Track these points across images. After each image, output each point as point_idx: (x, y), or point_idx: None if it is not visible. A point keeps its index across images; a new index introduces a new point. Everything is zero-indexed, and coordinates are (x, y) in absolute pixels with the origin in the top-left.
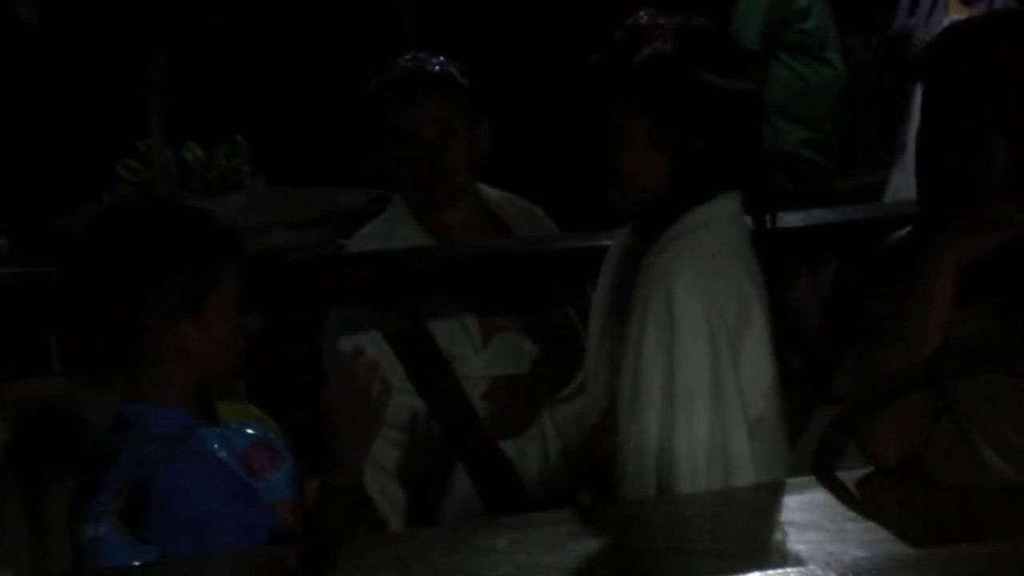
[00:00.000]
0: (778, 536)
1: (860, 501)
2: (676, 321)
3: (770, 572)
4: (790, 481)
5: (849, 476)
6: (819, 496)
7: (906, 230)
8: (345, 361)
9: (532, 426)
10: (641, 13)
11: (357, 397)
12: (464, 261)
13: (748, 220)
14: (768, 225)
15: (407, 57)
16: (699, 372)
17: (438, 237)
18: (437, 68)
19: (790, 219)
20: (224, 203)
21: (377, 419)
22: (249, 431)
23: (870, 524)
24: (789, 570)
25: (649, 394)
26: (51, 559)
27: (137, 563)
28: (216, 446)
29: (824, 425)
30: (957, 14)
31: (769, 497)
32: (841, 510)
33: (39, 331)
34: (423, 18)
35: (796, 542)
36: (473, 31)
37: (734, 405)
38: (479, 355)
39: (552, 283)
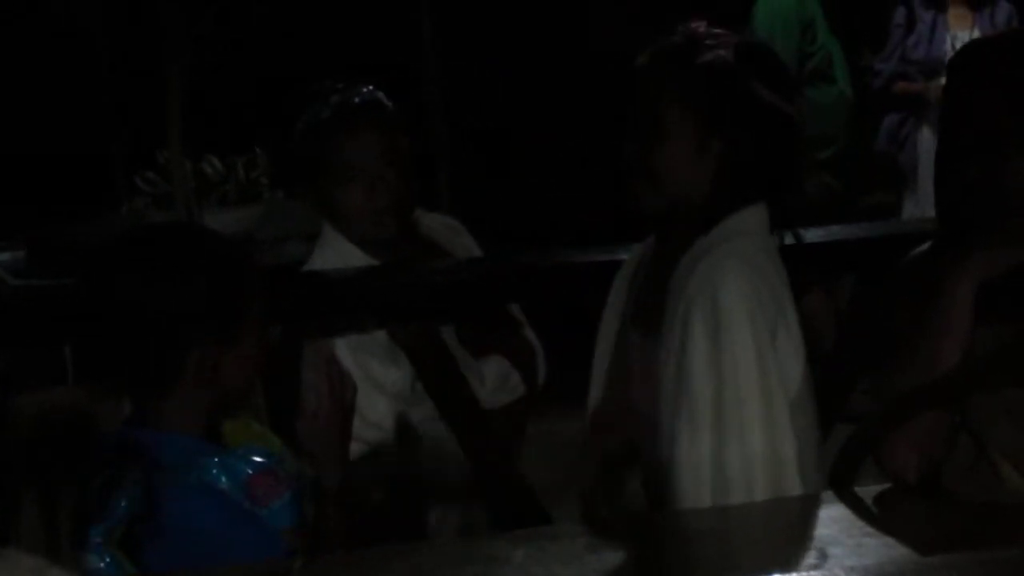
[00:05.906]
0: (795, 549)
1: (879, 516)
2: (723, 325)
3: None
4: (808, 496)
5: (867, 492)
6: (837, 511)
7: (925, 246)
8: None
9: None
10: (697, 23)
11: (337, 402)
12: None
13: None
14: (793, 240)
15: (346, 88)
16: (748, 375)
17: None
18: (383, 101)
19: (807, 235)
20: (242, 215)
21: (350, 421)
22: (255, 458)
23: (888, 539)
24: (813, 573)
25: (699, 403)
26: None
27: None
28: (219, 476)
29: (841, 442)
30: (960, 30)
31: (786, 511)
32: (860, 525)
33: (54, 342)
34: (442, 29)
35: (814, 556)
36: (492, 44)
37: (781, 407)
38: (477, 391)
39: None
